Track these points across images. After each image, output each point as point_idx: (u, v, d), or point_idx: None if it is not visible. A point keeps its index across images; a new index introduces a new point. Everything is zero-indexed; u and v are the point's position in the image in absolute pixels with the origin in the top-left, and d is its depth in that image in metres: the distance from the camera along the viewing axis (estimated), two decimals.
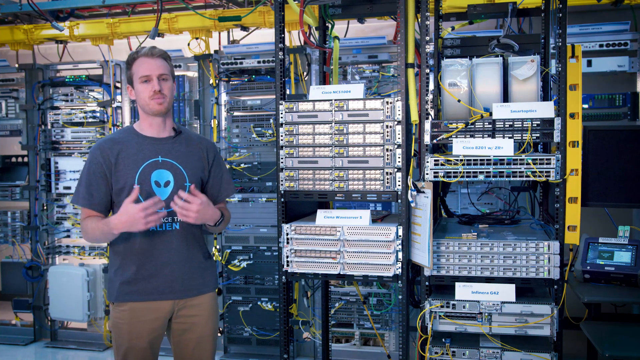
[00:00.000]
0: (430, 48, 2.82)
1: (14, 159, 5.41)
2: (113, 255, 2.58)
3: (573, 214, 2.63)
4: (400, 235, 2.68)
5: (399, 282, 2.72)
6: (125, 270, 2.52)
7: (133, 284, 2.51)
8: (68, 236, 5.11)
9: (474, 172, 2.65)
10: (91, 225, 2.48)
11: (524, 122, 2.62)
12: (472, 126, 2.67)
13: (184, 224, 2.56)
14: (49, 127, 5.10)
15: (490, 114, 2.67)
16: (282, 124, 2.86)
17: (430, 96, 2.96)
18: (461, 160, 2.65)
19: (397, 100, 2.69)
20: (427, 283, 2.75)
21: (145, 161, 2.53)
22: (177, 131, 2.66)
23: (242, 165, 4.58)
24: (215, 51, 4.69)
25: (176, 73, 4.75)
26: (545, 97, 2.95)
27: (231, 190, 2.81)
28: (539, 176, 2.60)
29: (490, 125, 2.66)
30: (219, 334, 4.66)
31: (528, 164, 2.60)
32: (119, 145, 2.54)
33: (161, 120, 2.60)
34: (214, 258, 4.54)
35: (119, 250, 2.55)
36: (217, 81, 4.62)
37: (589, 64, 4.03)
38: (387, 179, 2.72)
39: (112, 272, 2.58)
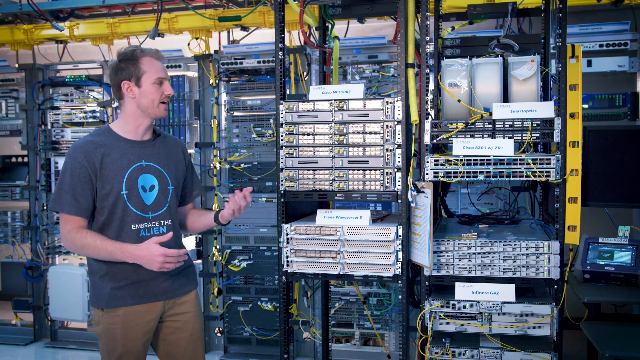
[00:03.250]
0: (430, 48, 2.82)
1: (14, 159, 5.41)
2: (97, 261, 2.48)
3: (573, 214, 2.63)
4: (400, 235, 2.68)
5: (399, 282, 2.72)
6: (115, 276, 2.47)
7: (125, 288, 2.47)
8: None
9: (474, 172, 2.65)
10: (91, 241, 2.40)
11: (524, 122, 2.62)
12: (472, 126, 2.67)
13: (170, 227, 2.57)
14: (49, 127, 5.10)
15: (490, 114, 2.67)
16: (282, 124, 2.86)
17: (430, 96, 2.96)
18: (461, 160, 2.65)
19: (397, 100, 2.69)
20: (427, 283, 2.75)
21: (131, 166, 2.48)
22: (157, 133, 2.64)
23: (242, 165, 4.58)
24: (215, 51, 4.69)
25: (176, 73, 4.76)
26: (545, 97, 2.95)
27: (200, 189, 2.83)
28: (539, 176, 2.60)
29: (490, 125, 2.66)
30: (220, 334, 4.67)
31: (528, 164, 2.60)
32: (101, 148, 2.45)
33: (150, 123, 2.56)
34: (214, 258, 4.55)
35: None
36: (217, 81, 4.62)
37: (589, 64, 4.03)
38: (387, 179, 2.72)
39: (98, 278, 2.49)
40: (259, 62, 4.50)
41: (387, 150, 2.71)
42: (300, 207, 3.11)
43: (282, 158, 2.86)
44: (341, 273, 2.75)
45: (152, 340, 2.62)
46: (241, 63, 4.53)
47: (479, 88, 2.77)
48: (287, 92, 4.32)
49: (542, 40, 3.07)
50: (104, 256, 2.42)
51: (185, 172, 2.72)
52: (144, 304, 2.51)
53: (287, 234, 2.81)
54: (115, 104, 4.89)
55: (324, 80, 3.35)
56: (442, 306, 2.70)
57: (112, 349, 2.49)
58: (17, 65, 5.14)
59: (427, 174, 2.68)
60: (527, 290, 2.85)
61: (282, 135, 2.85)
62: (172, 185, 2.59)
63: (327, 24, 3.31)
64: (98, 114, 4.96)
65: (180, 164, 2.68)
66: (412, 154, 2.79)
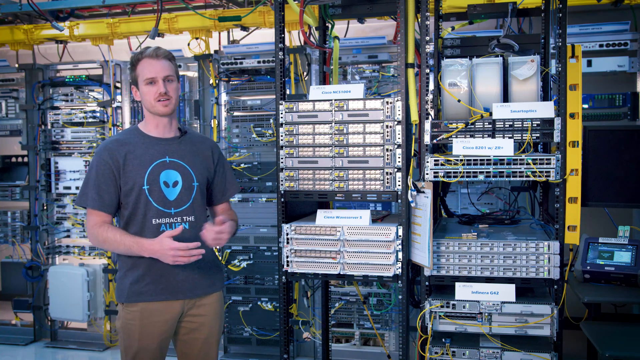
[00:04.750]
0: (430, 48, 2.82)
1: (14, 159, 5.41)
2: (122, 255, 2.56)
3: (573, 214, 2.63)
4: (400, 235, 2.68)
5: (399, 282, 2.72)
6: (136, 271, 2.51)
7: (144, 284, 2.51)
8: (68, 236, 5.11)
9: (474, 172, 2.64)
10: (111, 236, 2.46)
11: (524, 122, 2.62)
12: (472, 126, 2.67)
13: (193, 224, 2.58)
14: (49, 127, 5.10)
15: (490, 114, 2.67)
16: (282, 124, 2.86)
17: (430, 96, 2.96)
18: (461, 160, 2.65)
19: (397, 100, 2.69)
20: (427, 283, 2.75)
21: (154, 162, 2.53)
22: (183, 131, 2.68)
23: (242, 165, 4.58)
24: (215, 51, 4.69)
25: None
26: (545, 97, 2.95)
27: (235, 189, 2.83)
28: (539, 176, 2.60)
29: (490, 125, 2.66)
30: None
31: (528, 164, 2.60)
32: (125, 146, 2.53)
33: (167, 120, 2.61)
34: None
35: None
36: (217, 81, 4.62)
37: (589, 64, 4.03)
38: (387, 179, 2.72)
39: (122, 272, 2.57)
40: (259, 62, 4.50)
41: (387, 150, 2.71)
42: (300, 207, 3.11)
43: (282, 158, 2.86)
44: (341, 273, 2.75)
45: (173, 339, 2.65)
46: (241, 63, 4.53)
47: (479, 88, 2.77)
48: (287, 92, 4.32)
49: (542, 40, 3.07)
50: (123, 250, 2.49)
51: (216, 171, 2.73)
52: (162, 301, 2.52)
53: (287, 234, 2.81)
54: (115, 104, 4.90)
55: (324, 80, 3.35)
56: (442, 306, 2.70)
57: (128, 345, 2.52)
58: (17, 65, 5.14)
59: (427, 174, 2.68)
60: (527, 290, 2.85)
61: (282, 135, 2.86)
62: (197, 181, 2.61)
63: (327, 24, 3.31)
64: (98, 114, 4.96)
65: (208, 161, 2.69)
66: (412, 154, 2.79)
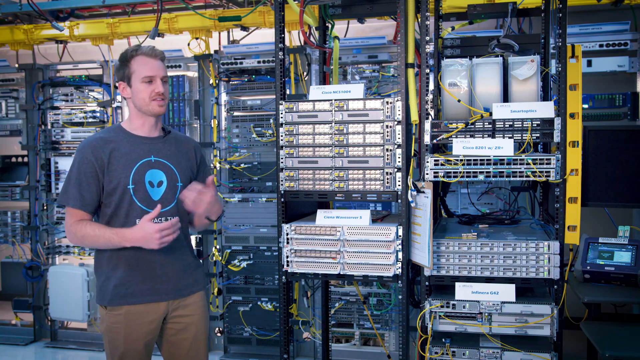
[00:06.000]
0: (430, 48, 2.82)
1: (14, 159, 5.41)
2: (102, 257, 2.52)
3: (573, 214, 2.63)
4: (400, 235, 2.68)
5: (399, 282, 2.72)
6: (118, 273, 2.48)
7: (127, 286, 2.48)
8: None
9: (474, 172, 2.65)
10: (90, 231, 2.43)
11: (524, 122, 2.62)
12: (472, 126, 2.67)
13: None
14: (49, 127, 5.10)
15: (490, 114, 2.67)
16: (282, 124, 2.86)
17: (430, 96, 2.96)
18: (461, 160, 2.65)
19: (397, 100, 2.69)
20: (427, 283, 2.75)
21: (139, 161, 2.51)
22: (166, 131, 2.66)
23: (242, 165, 4.58)
24: (215, 51, 4.69)
25: (176, 73, 4.76)
26: (545, 97, 2.95)
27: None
28: (539, 176, 2.60)
29: (490, 125, 2.66)
30: (220, 334, 4.67)
31: (528, 164, 2.60)
32: (110, 144, 2.50)
33: (154, 120, 2.59)
34: (214, 258, 4.55)
35: (110, 253, 2.50)
36: (217, 81, 4.62)
37: (589, 64, 4.03)
38: (387, 179, 2.72)
39: (105, 275, 2.52)
40: (259, 62, 4.51)
41: (387, 150, 2.71)
42: (300, 207, 3.11)
43: (282, 158, 2.86)
44: (341, 273, 2.75)
45: (157, 340, 2.63)
46: (241, 63, 4.54)
47: (479, 88, 2.77)
48: (287, 92, 4.32)
49: (542, 40, 3.07)
50: (103, 244, 2.44)
51: (198, 172, 2.72)
52: (147, 303, 2.50)
53: (287, 234, 2.81)
54: (115, 104, 4.90)
55: (324, 80, 3.35)
56: (442, 306, 2.70)
57: (114, 347, 2.50)
58: (17, 65, 5.14)
59: (427, 174, 2.68)
60: (527, 290, 2.85)
61: (282, 135, 2.86)
62: (181, 182, 2.60)
63: (327, 24, 3.31)
64: (98, 114, 4.96)
65: (191, 162, 2.69)
66: (412, 154, 2.79)
